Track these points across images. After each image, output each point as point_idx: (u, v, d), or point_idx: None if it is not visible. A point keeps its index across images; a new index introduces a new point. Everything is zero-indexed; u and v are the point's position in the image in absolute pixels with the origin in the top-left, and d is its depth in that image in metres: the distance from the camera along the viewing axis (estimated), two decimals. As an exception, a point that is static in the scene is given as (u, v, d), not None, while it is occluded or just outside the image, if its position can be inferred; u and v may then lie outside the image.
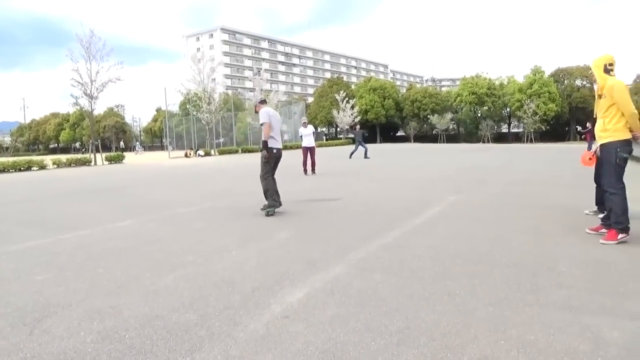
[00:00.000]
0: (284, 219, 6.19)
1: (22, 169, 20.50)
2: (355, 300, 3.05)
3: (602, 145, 4.58)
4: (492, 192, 8.33)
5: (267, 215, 6.44)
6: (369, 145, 21.34)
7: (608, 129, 4.46)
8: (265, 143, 6.51)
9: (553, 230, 5.00)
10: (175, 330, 2.66)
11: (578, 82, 64.62)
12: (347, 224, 5.68)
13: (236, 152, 34.94)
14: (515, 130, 71.38)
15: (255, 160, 22.40)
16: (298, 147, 24.48)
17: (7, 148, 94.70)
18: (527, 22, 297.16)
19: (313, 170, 13.09)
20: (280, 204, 6.66)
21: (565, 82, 65.31)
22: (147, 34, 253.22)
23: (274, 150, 6.68)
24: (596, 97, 4.81)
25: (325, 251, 4.32)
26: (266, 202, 6.63)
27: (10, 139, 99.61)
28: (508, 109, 68.00)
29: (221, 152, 33.97)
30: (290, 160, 19.49)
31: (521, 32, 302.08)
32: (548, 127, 61.09)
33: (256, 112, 6.93)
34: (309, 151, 13.24)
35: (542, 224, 5.37)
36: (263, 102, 6.99)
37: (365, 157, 19.94)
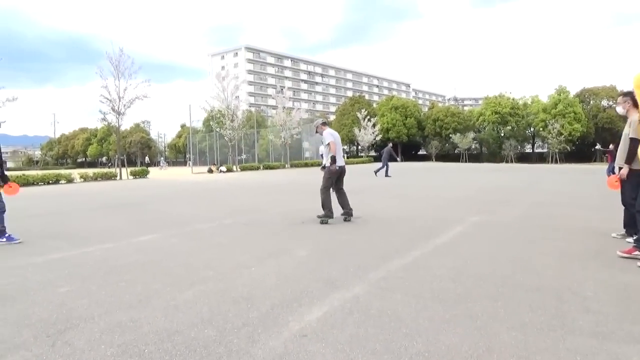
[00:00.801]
0: (303, 236, 6.19)
1: (50, 182, 21.04)
2: (374, 320, 3.01)
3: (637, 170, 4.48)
4: (516, 213, 8.19)
5: (321, 223, 7.22)
6: (390, 164, 21.28)
7: None
8: (333, 158, 7.30)
9: (579, 254, 4.87)
10: (193, 346, 2.67)
11: (604, 103, 63.48)
12: (367, 243, 5.65)
13: (258, 168, 35.23)
14: (540, 150, 70.31)
15: (275, 177, 22.47)
16: (319, 164, 24.52)
17: (37, 162, 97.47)
18: (551, 42, 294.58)
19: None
20: (330, 216, 7.35)
21: (591, 102, 64.26)
22: (173, 53, 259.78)
23: (337, 167, 7.42)
24: (630, 119, 4.73)
25: (345, 270, 4.30)
26: (322, 212, 7.39)
27: (40, 152, 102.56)
28: (532, 129, 67.13)
29: (243, 169, 34.31)
30: (311, 178, 19.56)
31: (545, 52, 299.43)
32: (573, 148, 60.03)
33: (317, 132, 7.82)
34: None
35: (567, 246, 5.25)
36: (324, 124, 7.83)
37: (386, 175, 19.93)
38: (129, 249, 5.59)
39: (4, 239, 6.10)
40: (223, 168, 32.76)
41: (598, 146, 36.28)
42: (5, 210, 6.22)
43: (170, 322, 3.05)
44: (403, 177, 20.31)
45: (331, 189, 7.55)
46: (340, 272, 4.23)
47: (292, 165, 37.86)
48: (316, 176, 16.67)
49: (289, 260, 4.76)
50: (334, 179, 7.52)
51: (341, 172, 7.58)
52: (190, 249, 5.50)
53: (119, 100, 25.02)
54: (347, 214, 7.56)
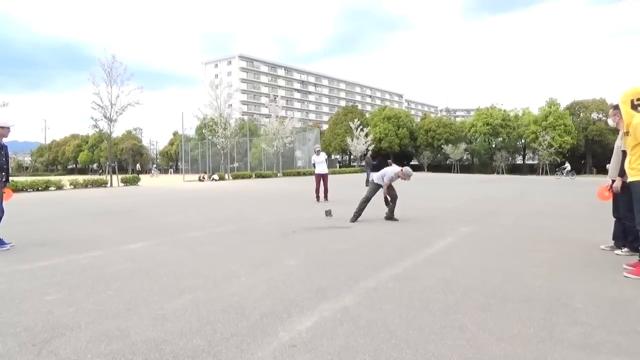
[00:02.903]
0: (295, 246, 6.17)
1: (40, 188, 20.84)
2: (364, 331, 3.00)
3: (630, 184, 4.52)
4: (505, 224, 8.23)
5: (350, 221, 8.47)
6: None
7: (634, 167, 4.38)
8: (388, 182, 8.81)
9: (568, 265, 4.90)
10: (182, 356, 2.64)
11: (594, 115, 64.32)
12: (358, 253, 5.64)
13: (250, 177, 35.14)
14: (531, 162, 70.92)
15: (268, 185, 22.37)
16: (311, 173, 24.54)
17: (27, 167, 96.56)
18: (542, 55, 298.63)
19: (325, 197, 13.09)
20: (354, 220, 8.54)
21: (581, 114, 65.06)
22: (165, 60, 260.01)
23: (379, 186, 8.86)
24: (621, 132, 4.79)
25: (335, 280, 4.29)
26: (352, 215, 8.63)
27: (30, 158, 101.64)
28: (523, 141, 67.75)
29: (235, 177, 34.21)
30: (303, 187, 19.56)
31: (536, 64, 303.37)
32: (564, 160, 60.66)
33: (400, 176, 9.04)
34: (322, 178, 13.27)
35: (556, 258, 5.28)
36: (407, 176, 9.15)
37: (366, 184, 20.07)
38: (117, 256, 5.54)
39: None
40: (215, 176, 32.66)
41: (567, 165, 38.09)
42: (3, 215, 6.19)
43: (158, 332, 3.01)
44: (395, 188, 20.36)
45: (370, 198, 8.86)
46: (331, 282, 4.22)
47: (284, 174, 37.82)
48: (308, 186, 16.66)
49: (280, 270, 4.73)
50: (375, 193, 8.93)
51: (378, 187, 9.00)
52: (180, 257, 5.46)
53: (111, 107, 24.92)
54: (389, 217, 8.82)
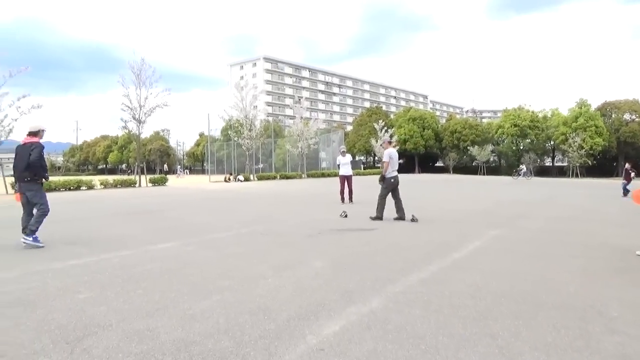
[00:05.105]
0: (320, 247, 6.16)
1: (72, 188, 21.39)
2: (392, 336, 2.96)
3: None
4: (535, 227, 8.05)
5: (371, 219, 8.97)
6: (406, 176, 21.37)
7: None
8: (382, 176, 9.16)
9: (602, 271, 4.75)
10: (210, 357, 2.66)
11: (627, 116, 62.31)
12: (384, 256, 5.59)
13: (274, 178, 35.33)
14: (560, 164, 69.21)
15: (292, 187, 22.51)
16: (336, 174, 24.50)
17: (59, 167, 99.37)
18: (571, 55, 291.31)
19: (350, 198, 13.05)
20: (379, 219, 8.93)
21: (613, 116, 63.12)
22: (191, 62, 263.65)
23: (392, 180, 9.14)
24: None
25: (362, 283, 4.26)
26: (375, 214, 9.02)
27: (62, 159, 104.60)
28: (552, 142, 66.17)
29: (260, 178, 34.45)
30: (328, 188, 19.55)
31: (565, 64, 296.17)
32: (595, 162, 58.94)
33: (382, 147, 9.21)
34: (347, 180, 13.23)
35: (589, 263, 5.12)
36: (390, 142, 9.81)
37: None
38: (146, 256, 5.64)
39: (31, 239, 6.29)
40: (240, 177, 32.94)
41: (523, 167, 39.97)
42: (47, 214, 6.51)
43: (187, 332, 3.04)
44: (419, 189, 20.17)
45: (387, 197, 9.13)
46: (358, 285, 4.19)
47: (308, 175, 37.88)
48: (333, 187, 16.65)
49: (306, 272, 4.73)
50: (390, 189, 9.11)
51: (396, 184, 9.20)
52: (207, 258, 5.51)
53: (140, 109, 25.38)
54: (400, 218, 9.01)
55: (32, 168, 6.31)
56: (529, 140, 65.61)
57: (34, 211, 6.48)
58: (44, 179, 6.57)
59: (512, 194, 17.41)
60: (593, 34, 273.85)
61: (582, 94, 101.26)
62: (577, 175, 55.82)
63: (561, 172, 64.42)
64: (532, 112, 66.92)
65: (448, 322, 3.21)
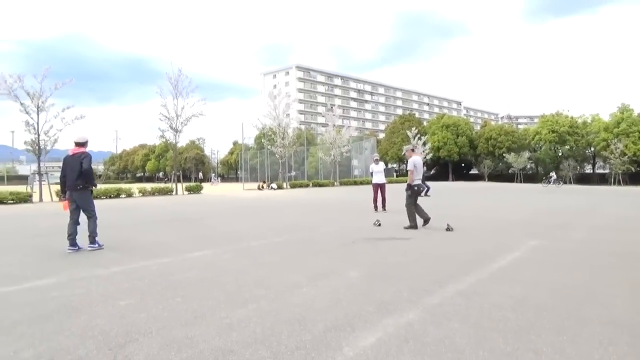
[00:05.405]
0: (355, 257, 6.13)
1: (112, 196, 22.08)
2: (431, 349, 2.91)
3: None
4: (577, 237, 7.77)
5: (405, 229, 8.83)
6: (439, 184, 21.20)
7: None
8: (409, 185, 9.18)
9: (652, 286, 4.53)
10: (248, 367, 2.67)
11: (673, 121, 59.58)
12: (419, 266, 5.51)
13: (307, 185, 35.48)
14: (601, 171, 66.75)
15: (325, 194, 22.52)
16: (368, 182, 24.37)
17: (100, 176, 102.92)
18: (611, 58, 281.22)
19: (384, 207, 12.95)
20: (415, 227, 8.89)
21: (659, 121, 60.49)
22: (225, 72, 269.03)
23: (415, 188, 9.19)
24: None
25: (398, 294, 4.20)
26: (409, 224, 8.98)
27: (103, 167, 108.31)
28: (592, 149, 63.93)
29: (293, 186, 34.66)
30: (361, 196, 19.47)
31: (605, 68, 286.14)
32: (639, 169, 56.55)
33: (404, 155, 9.66)
34: (380, 188, 13.15)
35: (638, 276, 4.90)
36: (413, 150, 9.60)
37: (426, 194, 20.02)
38: (184, 264, 5.74)
39: (96, 245, 6.86)
40: (274, 185, 33.23)
41: (553, 174, 39.32)
42: (97, 219, 7.06)
43: (224, 341, 3.08)
44: (454, 198, 19.82)
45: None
46: (393, 296, 4.14)
47: (341, 183, 37.86)
48: (366, 195, 16.57)
49: (341, 282, 4.71)
50: (416, 197, 9.18)
51: (419, 191, 9.35)
52: (243, 266, 5.57)
53: (177, 118, 26.04)
54: (426, 220, 9.10)
55: (84, 176, 6.72)
56: (568, 147, 63.66)
57: (79, 219, 6.85)
58: (93, 187, 7.01)
59: (550, 203, 16.88)
60: (634, 36, 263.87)
61: (624, 99, 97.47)
62: (619, 183, 53.72)
63: (602, 179, 62.11)
64: (571, 117, 64.97)
65: (488, 336, 3.13)
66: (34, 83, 19.39)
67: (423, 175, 20.70)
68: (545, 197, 20.34)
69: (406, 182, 9.50)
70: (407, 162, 9.37)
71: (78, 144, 6.87)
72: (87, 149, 6.98)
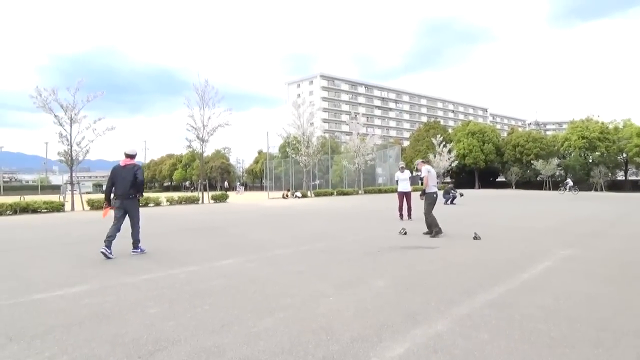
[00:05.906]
0: (380, 265, 6.08)
1: (141, 205, 22.55)
2: (460, 361, 2.86)
3: None
4: (611, 247, 7.53)
5: (431, 237, 8.88)
6: (466, 190, 21.33)
7: None
8: (423, 191, 9.41)
9: (692, 297, 4.35)
10: (275, 376, 2.67)
11: None
12: (446, 275, 5.43)
13: (331, 194, 35.47)
14: (634, 177, 64.69)
15: (349, 203, 22.46)
16: (393, 190, 24.19)
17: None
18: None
19: (409, 215, 12.84)
20: (440, 232, 9.05)
21: (695, 125, 58.39)
22: (250, 82, 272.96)
23: (433, 195, 9.36)
24: None
25: (426, 304, 4.15)
26: (428, 231, 9.14)
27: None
28: (624, 155, 62.06)
29: (317, 194, 34.70)
30: (385, 204, 19.35)
31: (637, 72, 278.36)
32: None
33: (417, 169, 9.97)
34: (405, 196, 13.04)
35: (677, 288, 4.71)
36: (424, 162, 9.88)
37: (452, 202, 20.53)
38: (211, 272, 5.80)
39: (139, 250, 7.37)
40: (298, 193, 33.34)
41: (569, 180, 38.35)
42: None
43: (252, 350, 3.09)
44: (481, 205, 19.50)
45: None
46: (421, 306, 4.09)
47: (365, 192, 37.73)
48: (391, 203, 16.45)
49: (367, 291, 4.68)
50: (433, 204, 9.27)
51: (436, 197, 9.42)
52: (269, 275, 5.59)
53: (203, 128, 26.46)
54: (437, 233, 9.12)
55: (137, 186, 7.27)
56: (599, 153, 61.94)
57: (121, 227, 7.25)
58: (141, 196, 7.56)
59: (583, 211, 16.43)
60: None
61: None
62: (654, 190, 51.87)
63: (635, 186, 60.21)
64: (602, 123, 63.30)
65: (519, 349, 3.05)
66: (67, 96, 20.03)
67: (452, 183, 20.92)
68: (573, 205, 19.82)
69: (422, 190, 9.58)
70: (420, 171, 9.64)
71: (129, 156, 7.39)
72: (117, 159, 7.29)
